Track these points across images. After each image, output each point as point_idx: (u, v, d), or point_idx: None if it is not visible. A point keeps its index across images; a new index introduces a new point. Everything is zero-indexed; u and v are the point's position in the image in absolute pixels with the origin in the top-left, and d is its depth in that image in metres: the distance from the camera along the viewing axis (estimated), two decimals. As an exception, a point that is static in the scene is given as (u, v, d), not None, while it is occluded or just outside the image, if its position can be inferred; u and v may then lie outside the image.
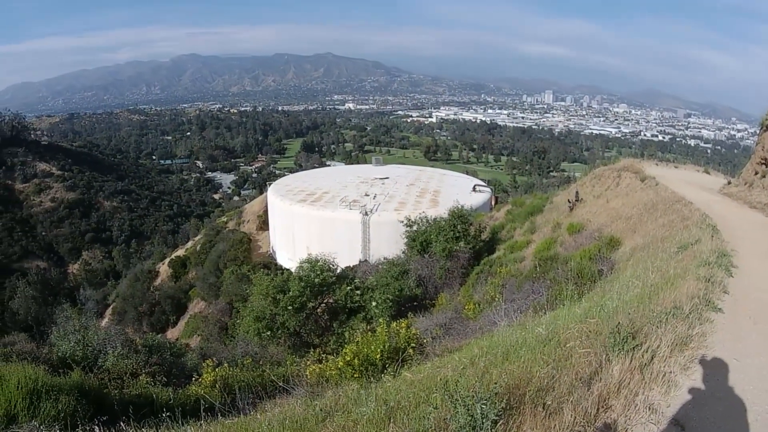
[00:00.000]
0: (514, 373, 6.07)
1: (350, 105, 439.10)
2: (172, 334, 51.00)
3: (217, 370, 12.09)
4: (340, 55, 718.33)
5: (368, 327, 15.42)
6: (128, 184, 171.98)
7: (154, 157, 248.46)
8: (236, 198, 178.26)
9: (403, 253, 31.96)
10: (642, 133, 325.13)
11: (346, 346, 11.33)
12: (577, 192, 28.69)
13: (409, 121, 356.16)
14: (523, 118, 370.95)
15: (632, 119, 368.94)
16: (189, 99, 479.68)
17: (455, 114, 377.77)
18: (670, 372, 5.92)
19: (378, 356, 10.08)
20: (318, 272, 23.39)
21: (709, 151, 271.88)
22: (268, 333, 21.80)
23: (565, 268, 15.92)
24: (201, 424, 7.02)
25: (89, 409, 7.17)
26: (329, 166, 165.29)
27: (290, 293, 22.25)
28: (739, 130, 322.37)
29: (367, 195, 57.45)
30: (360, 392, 7.35)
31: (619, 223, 20.16)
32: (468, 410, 4.83)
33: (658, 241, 14.89)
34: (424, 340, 12.38)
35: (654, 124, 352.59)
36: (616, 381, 5.63)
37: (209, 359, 13.68)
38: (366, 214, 50.72)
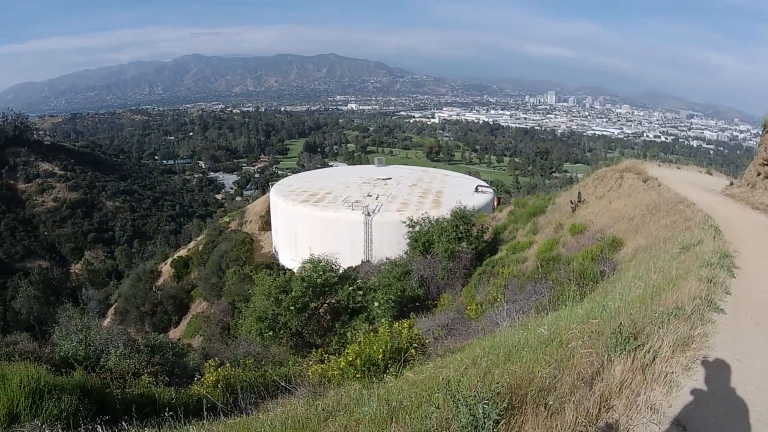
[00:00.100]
0: (516, 373, 6.08)
1: (353, 105, 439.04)
2: (174, 334, 51.03)
3: (219, 370, 12.11)
4: (343, 55, 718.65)
5: (370, 327, 15.41)
6: (131, 184, 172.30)
7: (156, 158, 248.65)
8: (239, 198, 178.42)
9: (406, 253, 31.93)
10: (644, 134, 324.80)
11: (348, 346, 11.32)
12: (579, 193, 28.66)
13: (411, 121, 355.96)
14: (525, 118, 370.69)
15: (635, 120, 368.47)
16: (192, 99, 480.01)
17: (458, 115, 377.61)
18: (672, 372, 5.92)
19: (380, 356, 10.07)
20: (320, 272, 23.37)
21: (711, 152, 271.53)
22: (270, 333, 21.79)
23: (567, 268, 15.92)
24: (203, 424, 7.04)
25: (91, 408, 7.19)
26: (332, 166, 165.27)
27: (292, 293, 22.23)
28: (741, 131, 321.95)
29: (369, 195, 57.44)
30: (362, 392, 7.36)
31: (622, 224, 20.15)
32: (470, 410, 4.84)
33: (661, 242, 14.89)
34: (426, 341, 12.38)
35: (656, 125, 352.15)
36: (618, 381, 5.64)
37: (211, 359, 13.71)
38: (368, 214, 50.72)
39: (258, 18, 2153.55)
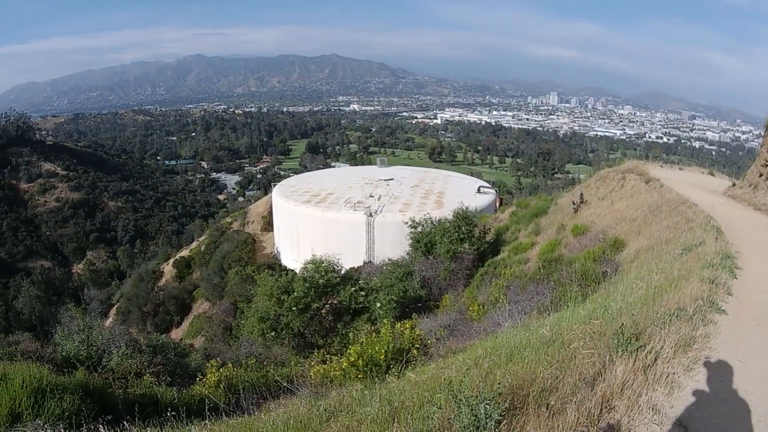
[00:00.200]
0: (517, 374, 6.09)
1: (355, 106, 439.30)
2: (176, 334, 51.09)
3: (221, 370, 12.12)
4: (345, 56, 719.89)
5: (372, 328, 15.40)
6: (133, 184, 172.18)
7: (158, 158, 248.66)
8: (241, 199, 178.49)
9: (408, 254, 31.93)
10: (647, 135, 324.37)
11: (350, 346, 11.32)
12: (581, 194, 28.68)
13: (413, 122, 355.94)
14: (527, 119, 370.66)
15: (637, 121, 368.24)
16: (194, 100, 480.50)
17: (460, 115, 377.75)
18: (674, 373, 5.93)
19: (382, 357, 10.08)
20: (322, 273, 23.37)
21: (713, 152, 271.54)
22: (272, 333, 21.80)
23: (569, 269, 15.91)
24: (205, 424, 7.05)
25: (93, 408, 7.19)
26: (334, 167, 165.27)
27: (294, 294, 22.24)
28: (743, 132, 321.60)
29: (371, 196, 57.45)
30: (364, 392, 7.37)
31: (624, 224, 20.16)
32: (472, 410, 4.85)
33: (663, 242, 14.90)
34: (429, 341, 12.39)
35: (659, 126, 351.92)
36: (620, 382, 5.64)
37: (213, 359, 13.73)
38: (370, 215, 50.72)
39: (260, 18, 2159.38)
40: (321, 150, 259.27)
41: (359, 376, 9.80)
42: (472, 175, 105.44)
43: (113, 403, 8.03)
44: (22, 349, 12.33)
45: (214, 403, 8.42)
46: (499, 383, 5.41)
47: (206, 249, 69.99)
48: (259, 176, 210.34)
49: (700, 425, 5.15)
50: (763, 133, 23.58)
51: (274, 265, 52.59)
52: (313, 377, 11.23)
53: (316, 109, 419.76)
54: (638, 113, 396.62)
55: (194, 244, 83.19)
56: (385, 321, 14.07)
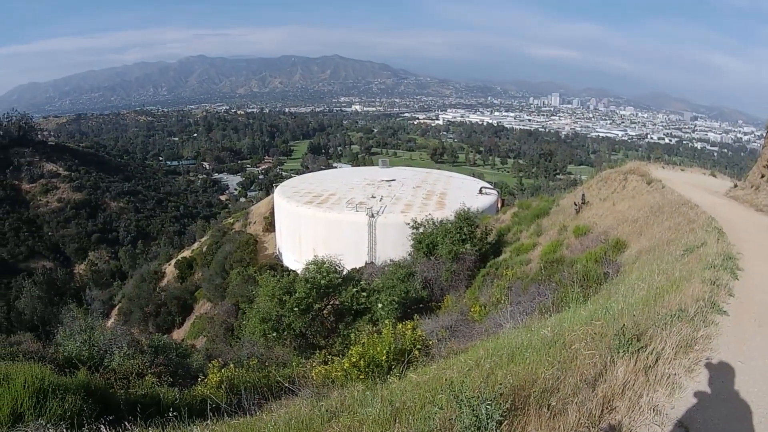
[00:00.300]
0: (519, 375, 6.10)
1: (357, 107, 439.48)
2: (177, 334, 51.09)
3: (222, 370, 12.13)
4: (347, 57, 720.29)
5: (374, 329, 15.41)
6: (135, 184, 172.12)
7: (160, 158, 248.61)
8: (243, 199, 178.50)
9: (410, 255, 31.94)
10: (648, 136, 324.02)
11: (351, 347, 11.33)
12: (583, 195, 28.68)
13: (415, 123, 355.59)
14: (529, 120, 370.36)
15: (639, 122, 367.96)
16: (196, 100, 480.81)
17: (462, 116, 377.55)
18: (675, 374, 5.93)
19: (384, 358, 10.09)
20: (324, 274, 23.42)
21: (715, 154, 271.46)
22: (274, 334, 21.82)
23: (571, 270, 15.91)
24: (207, 424, 7.07)
25: (95, 408, 7.21)
26: (336, 167, 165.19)
27: (296, 295, 22.27)
28: (745, 133, 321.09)
29: (373, 197, 57.38)
30: (365, 393, 7.39)
31: (625, 225, 20.16)
32: (473, 411, 4.86)
33: (664, 243, 14.90)
34: (430, 342, 12.40)
35: (661, 127, 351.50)
36: (621, 383, 5.65)
37: (215, 360, 13.73)
38: (372, 216, 50.70)
39: (262, 19, 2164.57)
40: (323, 151, 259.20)
41: (361, 376, 9.81)
42: (473, 175, 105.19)
43: (115, 404, 8.05)
44: (24, 350, 12.34)
45: (215, 404, 8.41)
46: (501, 384, 5.42)
47: (208, 250, 70.04)
48: (260, 177, 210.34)
49: (701, 426, 5.15)
50: (764, 134, 23.57)
51: (276, 265, 52.60)
52: (314, 378, 11.25)
53: (318, 109, 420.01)
54: (640, 114, 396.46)
55: (196, 245, 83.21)
56: (386, 322, 14.06)
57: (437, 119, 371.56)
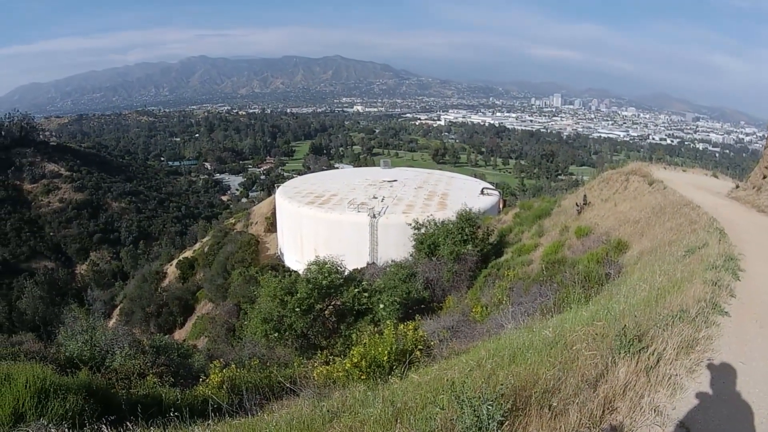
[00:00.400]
0: (520, 375, 6.10)
1: (359, 107, 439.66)
2: (179, 335, 51.11)
3: (224, 371, 12.13)
4: (349, 57, 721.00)
5: (375, 329, 15.41)
6: (136, 185, 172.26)
7: (162, 159, 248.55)
8: (244, 200, 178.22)
9: (411, 255, 31.95)
10: (650, 137, 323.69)
11: (353, 348, 11.34)
12: (585, 195, 28.65)
13: (417, 123, 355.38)
14: (531, 121, 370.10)
15: (641, 123, 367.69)
16: (197, 101, 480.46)
17: (463, 117, 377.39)
18: (676, 375, 5.94)
19: (385, 358, 10.10)
20: (326, 274, 23.40)
21: (717, 154, 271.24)
22: (276, 335, 21.81)
23: (572, 271, 15.92)
24: (208, 425, 7.07)
25: (97, 408, 7.21)
26: (337, 168, 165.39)
27: (298, 295, 22.26)
28: (747, 134, 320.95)
29: (375, 197, 57.37)
30: (367, 393, 7.40)
31: (627, 226, 20.14)
32: (474, 411, 4.86)
33: (666, 244, 14.89)
34: (431, 343, 12.41)
35: (662, 128, 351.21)
36: (622, 383, 5.66)
37: (216, 360, 13.72)
38: (374, 216, 50.68)
39: (264, 20, 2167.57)
40: (324, 151, 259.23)
41: (362, 377, 9.82)
42: (475, 176, 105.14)
43: (116, 404, 8.05)
44: (25, 350, 12.38)
45: (217, 404, 8.42)
46: (502, 384, 5.42)
47: (209, 250, 70.06)
48: (262, 177, 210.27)
49: (703, 427, 5.15)
50: (766, 135, 23.54)
51: (278, 266, 52.61)
52: (316, 378, 11.24)
53: (319, 110, 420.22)
54: (642, 115, 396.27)
55: (198, 245, 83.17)
56: (388, 322, 14.09)
57: (439, 120, 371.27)
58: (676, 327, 7.00)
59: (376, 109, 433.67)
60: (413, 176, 74.84)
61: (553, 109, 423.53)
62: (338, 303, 23.81)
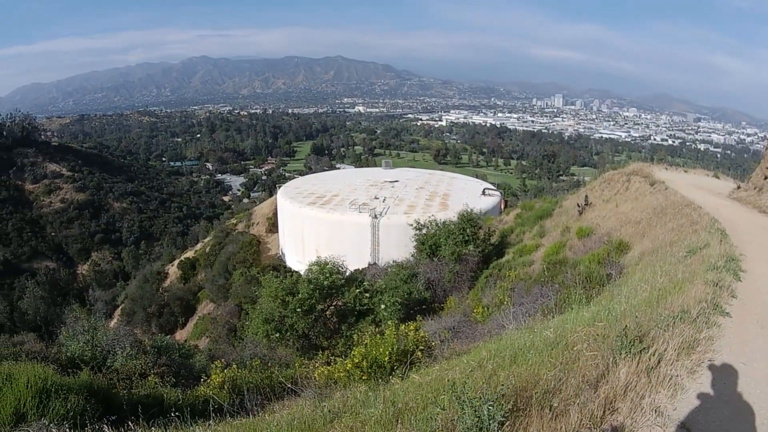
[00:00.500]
0: (521, 376, 6.10)
1: (360, 108, 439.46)
2: (180, 335, 51.12)
3: (225, 371, 12.14)
4: (351, 58, 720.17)
5: (377, 330, 15.40)
6: (138, 185, 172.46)
7: (164, 159, 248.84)
8: (246, 200, 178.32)
9: (412, 256, 31.90)
10: (652, 138, 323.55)
11: (354, 348, 11.35)
12: (586, 196, 28.64)
13: (418, 124, 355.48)
14: (533, 121, 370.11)
15: (642, 123, 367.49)
16: (199, 101, 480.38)
17: (465, 117, 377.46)
18: (677, 375, 5.93)
19: (386, 359, 10.11)
20: (327, 275, 23.39)
21: (718, 155, 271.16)
22: (277, 335, 21.80)
23: (573, 272, 15.92)
24: (210, 425, 7.08)
25: (98, 408, 7.22)
26: (339, 168, 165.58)
27: (299, 295, 22.25)
28: (749, 135, 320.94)
29: (376, 198, 57.35)
30: (368, 394, 7.40)
31: (628, 227, 20.13)
32: (475, 411, 4.87)
33: (667, 245, 14.88)
34: (433, 343, 12.40)
35: (664, 129, 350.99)
36: (623, 384, 5.66)
37: (218, 360, 13.73)
38: (375, 217, 50.67)
39: (265, 20, 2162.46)
40: (326, 152, 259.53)
41: (363, 377, 9.83)
42: (477, 177, 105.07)
43: (118, 404, 8.07)
44: (27, 350, 12.41)
45: (218, 404, 8.44)
46: (503, 385, 5.43)
47: (211, 250, 70.11)
48: (264, 178, 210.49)
49: (704, 428, 5.15)
50: (767, 136, 23.52)
51: (279, 266, 52.63)
52: (317, 379, 11.24)
53: (321, 110, 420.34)
54: (643, 115, 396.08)
55: (199, 246, 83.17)
56: (389, 323, 14.09)
57: (440, 120, 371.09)
58: (677, 328, 7.00)
59: (377, 110, 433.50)
60: (415, 177, 74.80)
61: (555, 110, 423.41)
62: (339, 303, 23.80)
